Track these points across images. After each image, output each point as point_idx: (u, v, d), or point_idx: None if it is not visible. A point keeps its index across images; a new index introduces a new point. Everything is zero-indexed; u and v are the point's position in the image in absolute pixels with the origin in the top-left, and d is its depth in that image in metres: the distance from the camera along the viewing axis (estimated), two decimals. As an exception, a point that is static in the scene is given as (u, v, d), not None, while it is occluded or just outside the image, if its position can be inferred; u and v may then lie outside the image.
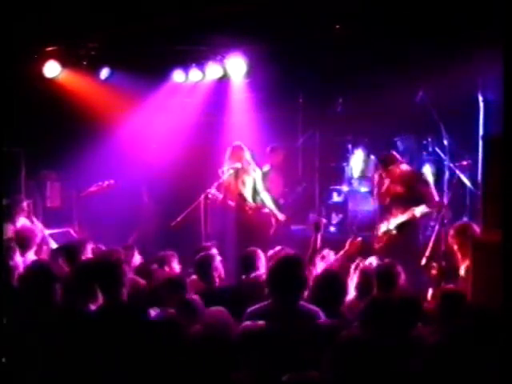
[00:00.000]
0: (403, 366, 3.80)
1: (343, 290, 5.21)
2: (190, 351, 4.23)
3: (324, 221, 7.17)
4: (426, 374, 3.76)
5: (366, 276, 5.65)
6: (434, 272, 6.20)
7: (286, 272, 4.68)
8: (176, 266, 6.74)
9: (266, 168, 9.47)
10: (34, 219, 8.81)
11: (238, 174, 8.52)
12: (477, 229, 6.09)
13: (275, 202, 8.87)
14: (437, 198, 7.57)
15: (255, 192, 8.67)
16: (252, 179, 8.64)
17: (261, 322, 4.23)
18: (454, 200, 8.74)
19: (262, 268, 6.05)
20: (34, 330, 4.83)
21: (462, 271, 5.92)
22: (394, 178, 7.74)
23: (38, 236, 7.31)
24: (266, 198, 8.69)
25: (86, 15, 7.55)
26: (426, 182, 7.76)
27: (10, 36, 7.64)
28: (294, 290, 4.64)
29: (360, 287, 5.56)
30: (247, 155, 8.59)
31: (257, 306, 4.69)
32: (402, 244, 7.43)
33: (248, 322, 4.30)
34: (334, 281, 5.17)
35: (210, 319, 4.57)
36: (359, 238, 6.88)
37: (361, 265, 5.91)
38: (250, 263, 6.14)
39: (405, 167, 7.80)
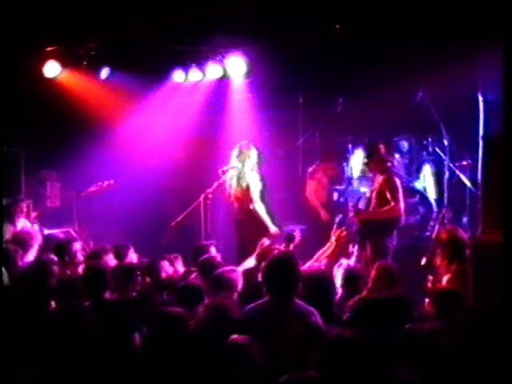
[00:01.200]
0: (394, 365, 3.80)
1: (333, 290, 5.27)
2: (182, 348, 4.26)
3: (298, 234, 6.90)
4: (425, 373, 3.76)
5: (351, 274, 5.68)
6: (429, 285, 6.10)
7: (281, 270, 4.71)
8: (180, 268, 6.76)
9: (311, 168, 9.63)
10: (35, 218, 8.83)
11: (237, 174, 8.22)
12: (462, 234, 6.06)
13: (270, 212, 8.20)
14: (402, 206, 7.21)
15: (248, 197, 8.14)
16: (246, 183, 8.15)
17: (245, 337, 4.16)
18: (454, 200, 8.75)
19: None
20: (32, 330, 4.84)
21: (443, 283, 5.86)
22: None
23: (35, 238, 7.30)
24: (260, 207, 8.10)
25: (86, 15, 7.56)
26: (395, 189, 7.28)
27: (10, 36, 7.65)
28: (288, 288, 4.67)
29: (346, 286, 5.59)
30: (253, 155, 8.19)
31: (254, 304, 4.75)
32: None
33: (235, 336, 4.19)
34: (323, 280, 5.21)
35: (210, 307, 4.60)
36: (344, 232, 6.82)
37: (343, 263, 5.91)
38: None
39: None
